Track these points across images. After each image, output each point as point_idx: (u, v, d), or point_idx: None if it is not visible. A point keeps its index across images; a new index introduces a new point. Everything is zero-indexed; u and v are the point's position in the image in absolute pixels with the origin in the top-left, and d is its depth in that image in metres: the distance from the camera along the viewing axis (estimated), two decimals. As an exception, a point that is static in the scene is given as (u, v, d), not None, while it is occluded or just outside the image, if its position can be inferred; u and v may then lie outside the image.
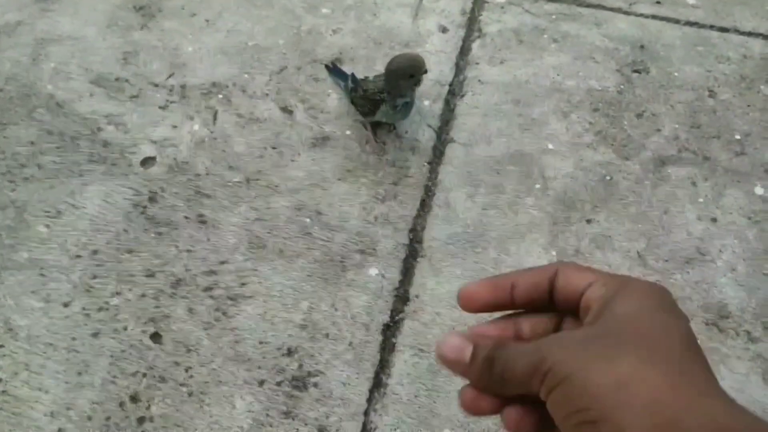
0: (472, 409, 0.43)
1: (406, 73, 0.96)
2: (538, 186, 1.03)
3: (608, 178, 1.04)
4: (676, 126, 1.10)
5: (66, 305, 0.90)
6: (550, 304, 0.42)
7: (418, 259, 0.96)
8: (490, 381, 0.41)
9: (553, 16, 1.25)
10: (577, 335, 0.40)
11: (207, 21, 1.20)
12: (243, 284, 0.92)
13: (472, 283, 0.45)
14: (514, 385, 0.40)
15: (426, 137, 1.09)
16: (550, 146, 1.08)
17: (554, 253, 0.97)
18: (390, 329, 0.89)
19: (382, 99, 0.99)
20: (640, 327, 0.39)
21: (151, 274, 0.93)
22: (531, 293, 0.44)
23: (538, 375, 0.38)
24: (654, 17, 1.25)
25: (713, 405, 0.35)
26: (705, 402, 0.35)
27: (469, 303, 0.44)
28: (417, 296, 0.92)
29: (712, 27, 1.24)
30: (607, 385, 0.36)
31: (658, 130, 1.10)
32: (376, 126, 1.08)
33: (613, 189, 1.03)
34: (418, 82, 0.98)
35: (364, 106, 1.02)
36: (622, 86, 1.15)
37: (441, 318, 0.90)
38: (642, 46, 1.21)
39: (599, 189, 1.03)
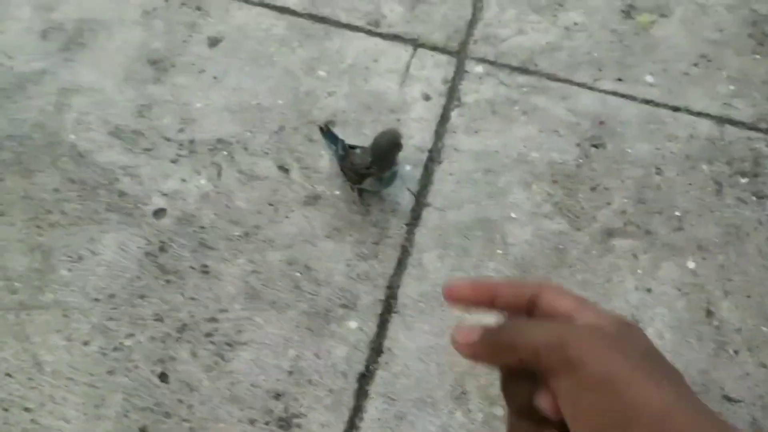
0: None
1: (396, 147, 1.10)
2: (500, 251, 1.19)
3: (561, 247, 1.20)
4: (625, 200, 1.26)
5: (86, 344, 1.05)
6: (525, 312, 0.44)
7: (392, 315, 1.11)
8: (498, 347, 0.43)
9: (525, 89, 1.40)
10: (609, 342, 0.40)
11: (215, 78, 1.34)
12: (239, 332, 1.07)
13: (458, 280, 0.48)
14: (524, 351, 0.41)
15: (406, 200, 1.24)
16: (513, 215, 1.23)
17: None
18: (365, 378, 1.05)
19: (368, 173, 1.13)
20: (662, 361, 0.41)
21: (160, 319, 1.08)
22: (510, 305, 0.46)
23: (556, 355, 0.39)
24: (615, 93, 1.40)
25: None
26: None
27: (451, 296, 0.47)
28: (389, 349, 1.07)
29: (665, 106, 1.40)
30: (653, 413, 0.36)
31: (608, 204, 1.26)
32: (362, 189, 1.23)
33: (564, 257, 1.19)
34: (399, 148, 1.12)
35: (352, 177, 1.17)
36: (580, 160, 1.31)
37: (409, 370, 1.06)
38: (601, 122, 1.36)
39: (552, 257, 1.19)
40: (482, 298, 0.47)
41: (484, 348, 0.43)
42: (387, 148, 1.10)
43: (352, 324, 1.10)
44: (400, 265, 1.17)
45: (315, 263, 1.15)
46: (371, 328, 1.10)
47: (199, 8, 1.43)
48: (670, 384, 0.37)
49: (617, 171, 1.30)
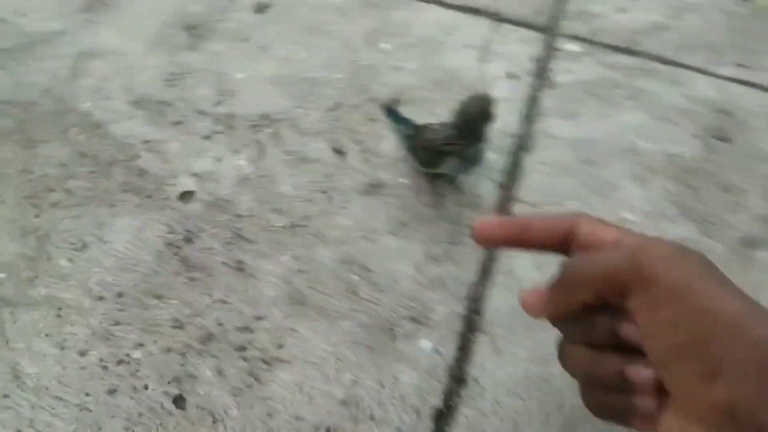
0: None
1: (487, 116, 0.87)
2: (610, 259, 0.93)
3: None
4: (765, 204, 1.00)
5: (82, 354, 0.81)
6: (560, 248, 0.44)
7: (478, 335, 0.86)
8: (570, 284, 0.42)
9: (629, 71, 1.15)
10: (676, 254, 0.39)
11: (260, 47, 1.12)
12: (280, 346, 0.83)
13: (488, 219, 0.47)
14: (597, 282, 0.41)
15: (488, 192, 0.99)
16: (627, 215, 0.98)
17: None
18: (443, 416, 0.79)
19: (451, 150, 0.89)
20: (721, 272, 0.40)
21: (179, 326, 0.84)
22: (543, 241, 0.45)
23: (629, 275, 0.39)
24: (736, 80, 1.16)
25: None
26: None
27: (481, 235, 0.45)
28: (475, 379, 0.82)
29: (801, 96, 1.15)
30: (729, 318, 0.36)
31: (745, 207, 1.00)
32: (434, 176, 0.99)
33: (693, 270, 0.93)
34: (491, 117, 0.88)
35: (427, 158, 0.93)
36: (703, 154, 1.05)
37: (502, 407, 0.80)
38: (724, 111, 1.11)
39: (677, 268, 0.93)
40: (514, 235, 0.46)
41: (558, 294, 0.43)
42: (476, 116, 0.86)
43: (425, 344, 0.85)
44: (485, 271, 0.92)
45: (376, 264, 0.91)
46: (450, 350, 0.84)
47: (244, -29, 1.22)
48: (739, 292, 0.38)
49: (750, 169, 1.04)
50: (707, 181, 1.02)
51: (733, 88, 1.15)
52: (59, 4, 1.13)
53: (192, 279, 0.88)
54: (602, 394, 0.43)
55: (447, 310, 0.87)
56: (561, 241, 0.45)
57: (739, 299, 0.37)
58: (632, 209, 0.98)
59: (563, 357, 0.45)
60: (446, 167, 0.92)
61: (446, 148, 0.90)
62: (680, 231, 0.97)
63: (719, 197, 1.01)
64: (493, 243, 0.46)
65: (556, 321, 0.44)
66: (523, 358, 0.83)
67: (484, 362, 0.83)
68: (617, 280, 0.40)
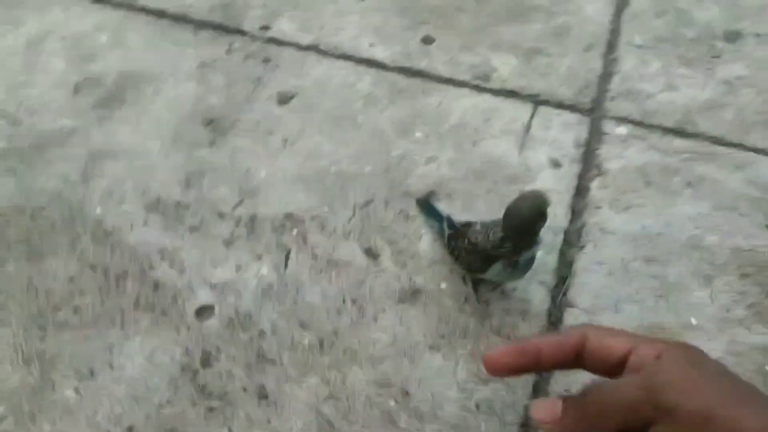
0: None
1: (542, 218, 0.77)
2: (681, 375, 0.82)
3: (738, 375, 0.83)
4: None
5: (86, 503, 0.71)
6: (572, 365, 0.43)
7: (534, 470, 0.74)
8: (588, 418, 0.42)
9: (685, 155, 1.06)
10: (692, 375, 0.40)
11: (285, 141, 1.05)
12: (309, 490, 0.72)
13: (497, 350, 0.45)
14: (616, 415, 0.40)
15: (539, 298, 0.89)
16: (693, 321, 0.87)
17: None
18: None
19: (500, 254, 0.80)
20: (739, 380, 0.40)
21: (195, 466, 0.74)
22: (557, 358, 0.45)
23: (647, 407, 0.39)
24: (806, 161, 1.05)
25: None
26: None
27: (493, 367, 0.44)
28: None
29: None
30: None
31: (829, 309, 0.88)
32: (479, 281, 0.89)
33: (778, 385, 0.81)
34: (543, 219, 0.78)
35: (472, 262, 0.83)
36: (776, 247, 0.95)
37: None
38: (795, 197, 1.00)
39: (758, 382, 0.81)
40: (526, 362, 0.44)
41: (572, 422, 0.42)
42: (530, 218, 0.76)
43: (474, 481, 0.74)
44: (537, 390, 0.81)
45: (415, 387, 0.81)
46: (503, 488, 0.73)
47: (267, 60, 1.16)
48: (758, 405, 0.38)
49: (831, 263, 0.93)
50: (783, 279, 0.91)
51: (800, 169, 1.04)
52: (72, 101, 1.08)
53: (210, 409, 0.78)
54: None
55: (498, 440, 0.77)
56: (572, 358, 0.45)
57: (759, 416, 0.37)
58: (699, 314, 0.87)
59: None
60: (493, 272, 0.82)
61: (495, 252, 0.80)
62: (756, 338, 0.85)
63: (799, 298, 0.89)
64: (506, 373, 0.46)
65: None
66: (591, 505, 0.71)
67: (545, 508, 0.71)
68: (637, 414, 0.39)
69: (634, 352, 0.44)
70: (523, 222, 0.76)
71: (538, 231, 0.78)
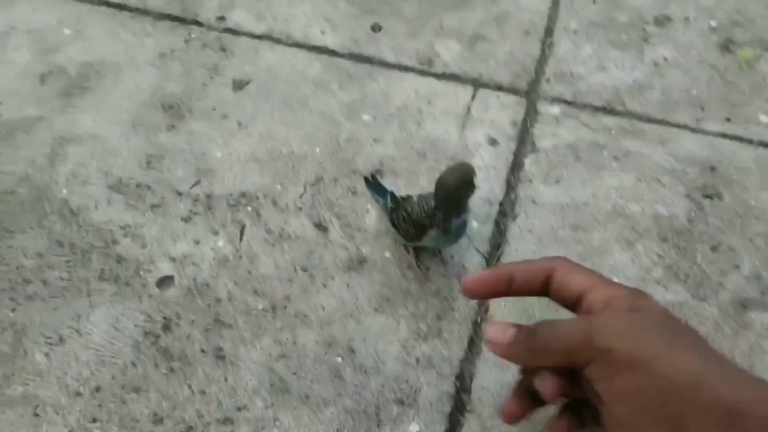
0: (510, 416, 0.50)
1: (469, 186, 0.85)
2: (601, 328, 0.91)
3: (683, 322, 0.91)
4: (757, 262, 0.98)
5: (58, 454, 0.78)
6: (541, 293, 0.47)
7: (466, 414, 0.82)
8: (533, 352, 0.46)
9: (613, 131, 1.14)
10: (629, 322, 0.43)
11: (239, 124, 1.11)
12: (262, 437, 0.80)
13: (475, 276, 0.51)
14: (557, 354, 0.44)
15: (474, 263, 0.97)
16: (615, 280, 0.95)
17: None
18: (432, 506, 0.76)
19: (431, 223, 0.88)
20: (680, 326, 0.43)
21: (158, 420, 0.81)
22: (526, 287, 0.49)
23: (586, 350, 0.42)
24: (724, 136, 1.14)
25: (760, 387, 0.39)
26: (761, 390, 0.38)
27: (470, 290, 0.49)
28: (464, 463, 0.79)
29: (788, 148, 1.13)
30: (685, 382, 0.38)
31: (737, 267, 0.98)
32: (419, 249, 0.97)
33: (688, 336, 0.90)
34: (471, 187, 0.86)
35: (408, 231, 0.91)
36: (692, 213, 1.04)
37: (492, 493, 0.77)
38: (713, 168, 1.09)
39: (671, 334, 0.90)
40: (499, 287, 0.49)
41: (519, 350, 0.46)
42: (457, 188, 0.84)
43: (412, 428, 0.82)
44: (472, 346, 0.89)
45: (360, 345, 0.88)
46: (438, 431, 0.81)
47: (223, 49, 1.23)
48: (695, 349, 0.40)
49: (742, 227, 1.02)
50: (697, 242, 1.00)
51: (721, 143, 1.13)
52: (38, 89, 1.13)
53: (171, 370, 0.85)
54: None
55: (435, 390, 0.85)
56: (541, 287, 0.49)
57: (696, 358, 0.40)
58: (621, 275, 0.96)
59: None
60: (428, 240, 0.90)
61: (426, 221, 0.88)
62: (671, 296, 0.94)
63: (710, 258, 0.98)
64: (481, 296, 0.51)
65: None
66: (514, 441, 0.80)
67: (474, 446, 0.80)
68: (577, 356, 0.43)
69: (589, 294, 0.48)
70: (451, 191, 0.84)
71: (466, 199, 0.86)
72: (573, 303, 0.46)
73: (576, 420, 0.47)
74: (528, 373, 0.48)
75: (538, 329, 0.47)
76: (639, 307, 0.45)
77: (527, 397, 0.50)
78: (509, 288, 0.50)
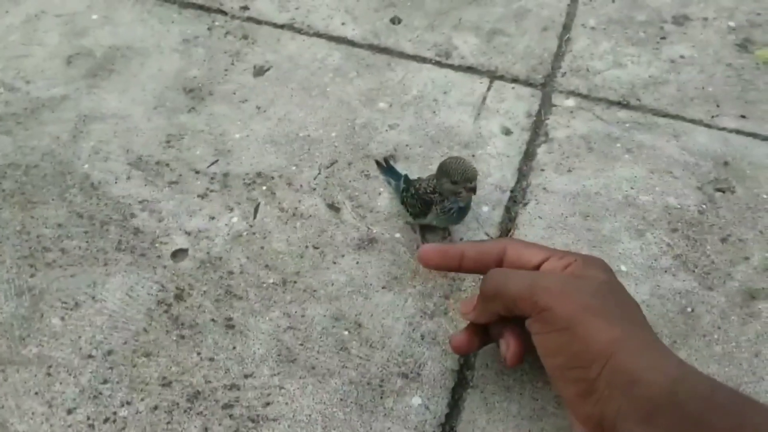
0: (459, 348, 0.63)
1: (450, 178, 0.88)
2: (607, 313, 0.91)
3: (689, 309, 0.92)
4: (767, 255, 0.98)
5: (70, 412, 0.80)
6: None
7: (468, 390, 0.83)
8: (486, 297, 0.53)
9: (627, 125, 1.15)
10: (569, 286, 0.49)
11: (258, 108, 1.14)
12: (267, 404, 0.81)
13: (429, 247, 0.62)
14: (505, 299, 0.51)
15: (483, 248, 0.98)
16: (623, 267, 0.96)
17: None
18: (431, 474, 0.77)
19: (434, 200, 0.90)
20: (616, 298, 0.48)
21: (167, 384, 0.83)
22: (476, 264, 0.57)
23: (527, 302, 0.48)
24: (738, 132, 1.15)
25: (669, 363, 0.44)
26: (657, 358, 0.43)
27: (424, 261, 0.61)
28: (464, 436, 0.79)
29: (804, 146, 1.13)
30: (601, 349, 0.43)
31: (746, 258, 0.98)
32: (427, 230, 0.99)
33: (695, 323, 0.90)
34: (471, 190, 0.89)
35: (415, 206, 0.93)
36: (703, 206, 1.04)
37: (491, 464, 0.77)
38: (726, 163, 1.10)
39: (679, 322, 0.91)
40: (451, 264, 0.59)
41: (480, 306, 0.57)
42: (448, 173, 0.88)
43: (415, 400, 0.83)
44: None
45: (367, 320, 0.90)
46: (440, 406, 0.82)
47: (245, 37, 1.26)
48: (620, 319, 0.45)
49: (752, 219, 1.02)
50: (708, 233, 1.01)
51: (734, 139, 1.14)
52: (66, 70, 1.17)
53: (182, 337, 0.87)
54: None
55: (438, 365, 0.86)
56: (493, 265, 0.55)
57: (617, 329, 0.44)
58: (630, 262, 0.97)
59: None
60: (432, 217, 0.92)
61: (430, 198, 0.90)
62: (679, 284, 0.94)
63: (720, 249, 0.99)
64: (435, 267, 0.61)
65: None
66: (514, 414, 0.80)
67: (474, 419, 0.81)
68: (518, 304, 0.49)
69: (546, 264, 0.54)
70: (440, 173, 0.88)
71: (450, 188, 0.88)
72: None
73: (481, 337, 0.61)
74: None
75: (493, 275, 0.54)
76: (583, 275, 0.50)
77: (477, 336, 0.61)
78: (460, 264, 0.58)
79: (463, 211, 0.91)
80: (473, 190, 0.88)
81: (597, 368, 0.43)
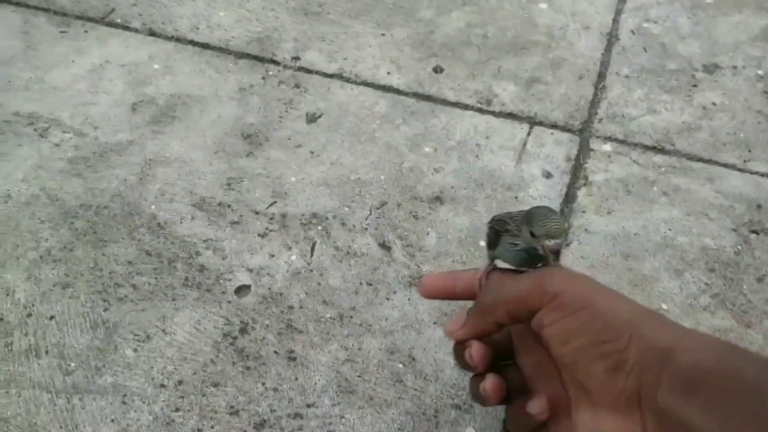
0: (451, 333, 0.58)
1: (530, 228, 0.89)
2: (650, 349, 0.95)
3: (728, 346, 0.96)
4: (802, 294, 1.02)
5: (144, 438, 0.86)
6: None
7: (519, 421, 0.88)
8: (484, 311, 0.52)
9: (663, 169, 1.21)
10: (575, 274, 0.50)
11: (311, 152, 1.21)
12: (329, 432, 0.86)
13: (431, 274, 0.62)
14: (507, 305, 0.49)
15: (528, 286, 1.03)
16: (664, 306, 1.01)
17: None
18: (487, 500, 0.81)
19: (507, 230, 0.93)
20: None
21: (234, 412, 0.88)
22: (468, 289, 0.58)
23: (537, 293, 0.47)
24: (770, 176, 1.19)
25: (692, 335, 0.42)
26: (688, 340, 0.41)
27: (425, 290, 0.60)
28: (518, 464, 0.84)
29: (835, 190, 1.18)
30: (625, 319, 0.42)
31: (782, 298, 1.02)
32: (493, 265, 1.03)
33: (734, 359, 0.94)
34: (553, 252, 0.86)
35: (489, 234, 0.97)
36: (739, 246, 1.08)
37: (544, 492, 0.81)
38: (759, 206, 1.14)
39: (718, 357, 0.94)
40: (448, 287, 0.59)
41: (475, 318, 0.53)
42: (530, 221, 0.89)
43: (469, 431, 0.87)
44: (526, 361, 0.95)
45: (421, 354, 0.95)
46: (492, 435, 0.87)
47: (297, 86, 1.34)
48: (630, 300, 0.45)
49: (787, 260, 1.07)
50: (744, 273, 1.05)
51: (766, 183, 1.18)
52: (130, 117, 1.25)
53: (247, 368, 0.93)
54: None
55: (490, 398, 0.90)
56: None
57: (631, 305, 0.44)
58: (670, 300, 1.01)
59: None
60: (500, 248, 0.96)
61: (502, 227, 0.93)
62: (718, 321, 0.99)
63: (756, 288, 1.03)
64: (432, 294, 0.60)
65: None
66: (565, 445, 0.84)
67: (527, 449, 0.85)
68: (526, 301, 0.47)
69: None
70: (525, 217, 0.89)
71: (526, 231, 0.91)
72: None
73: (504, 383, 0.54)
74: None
75: (489, 286, 0.55)
76: (578, 272, 0.52)
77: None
78: (454, 290, 0.59)
79: (535, 256, 0.94)
80: (556, 252, 0.71)
81: (625, 338, 0.41)
